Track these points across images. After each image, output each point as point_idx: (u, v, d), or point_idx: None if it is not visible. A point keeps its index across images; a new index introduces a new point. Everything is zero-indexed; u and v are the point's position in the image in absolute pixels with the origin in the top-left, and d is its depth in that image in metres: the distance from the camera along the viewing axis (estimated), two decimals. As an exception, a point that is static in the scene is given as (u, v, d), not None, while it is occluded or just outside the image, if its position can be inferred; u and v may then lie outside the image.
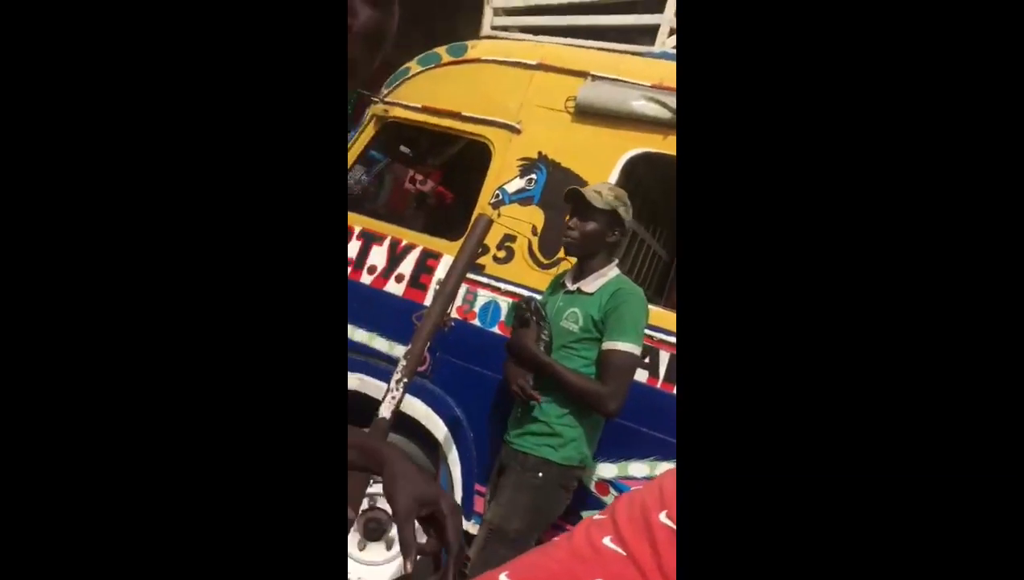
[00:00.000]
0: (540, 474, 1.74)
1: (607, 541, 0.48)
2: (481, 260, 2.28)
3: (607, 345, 1.72)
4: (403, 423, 2.19)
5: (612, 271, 1.88)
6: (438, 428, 2.23)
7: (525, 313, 1.82)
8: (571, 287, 1.90)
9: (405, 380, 1.54)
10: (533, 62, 2.31)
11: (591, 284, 1.85)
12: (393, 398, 1.53)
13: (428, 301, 2.16)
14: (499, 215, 2.28)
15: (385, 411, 1.53)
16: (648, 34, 2.38)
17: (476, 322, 2.26)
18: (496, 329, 2.23)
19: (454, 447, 2.23)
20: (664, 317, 2.02)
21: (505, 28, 2.59)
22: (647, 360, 1.98)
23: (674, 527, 0.46)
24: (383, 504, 2.21)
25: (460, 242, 1.81)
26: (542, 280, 2.18)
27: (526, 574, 0.52)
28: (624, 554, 0.47)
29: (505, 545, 1.63)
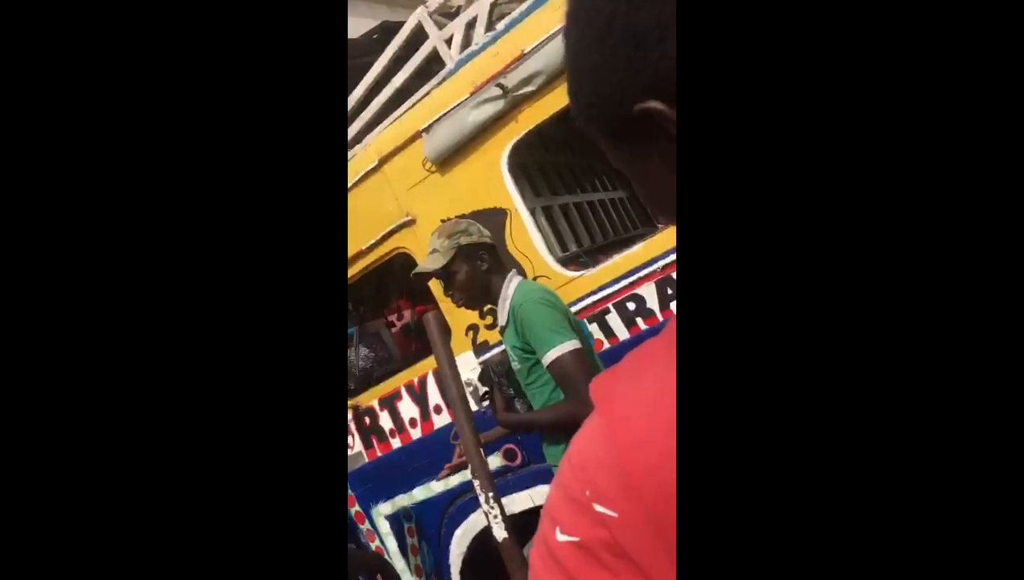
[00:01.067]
0: None
1: None
2: (480, 338, 2.24)
3: (543, 362, 1.59)
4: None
5: (511, 287, 1.73)
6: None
7: (485, 385, 1.77)
8: (500, 327, 1.82)
9: (491, 493, 1.48)
10: (375, 162, 2.32)
11: (502, 315, 1.73)
12: (495, 516, 1.46)
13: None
14: (459, 294, 2.25)
15: (499, 532, 1.46)
16: (435, 61, 2.39)
17: (522, 386, 2.22)
18: (540, 377, 2.18)
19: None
20: (650, 248, 1.96)
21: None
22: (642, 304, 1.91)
23: (573, 539, 0.44)
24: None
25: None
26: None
27: None
28: None
29: None
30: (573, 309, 2.06)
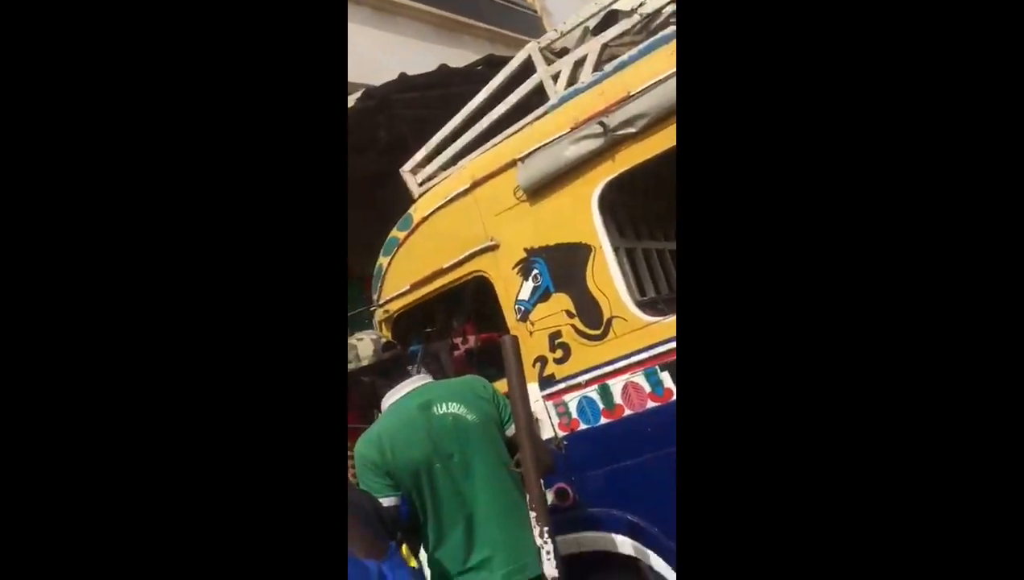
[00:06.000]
0: None
1: None
2: (547, 371, 2.22)
3: None
4: (594, 564, 2.05)
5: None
6: (624, 544, 2.09)
7: None
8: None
9: (547, 528, 1.44)
10: (467, 185, 2.37)
11: None
12: (548, 553, 1.43)
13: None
14: (532, 325, 2.25)
15: (550, 570, 1.42)
16: (539, 93, 2.43)
17: (583, 426, 2.18)
18: (603, 419, 2.14)
19: (647, 550, 2.07)
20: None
21: (429, 178, 2.68)
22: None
23: None
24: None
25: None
26: (602, 352, 2.10)
27: None
28: None
29: None
30: (646, 354, 2.02)
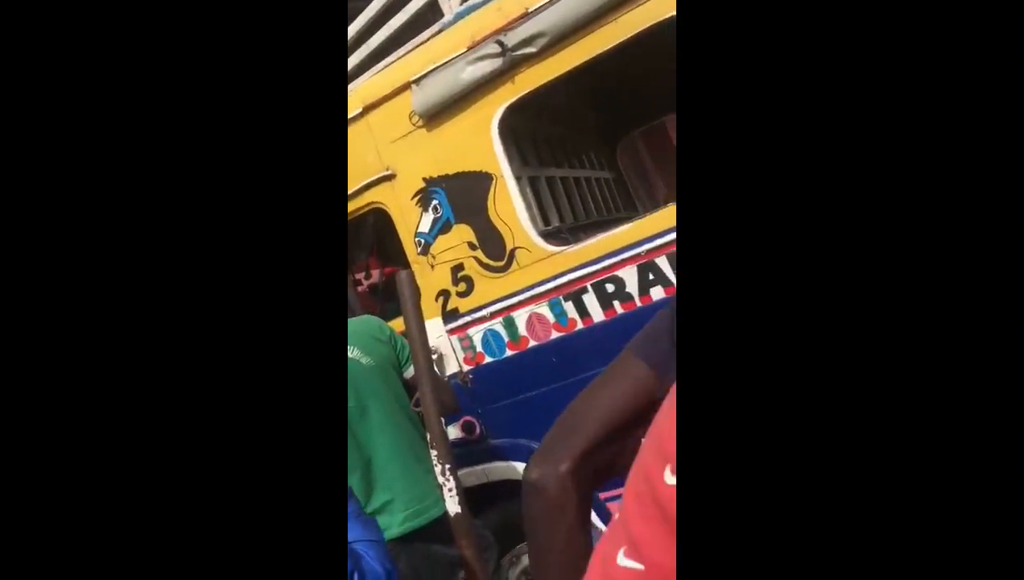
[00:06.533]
0: None
1: (621, 559, 0.46)
2: (450, 305, 2.17)
3: None
4: (502, 493, 2.07)
5: None
6: (529, 471, 2.12)
7: None
8: None
9: (448, 465, 1.41)
10: (358, 110, 2.20)
11: None
12: (451, 491, 1.40)
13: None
14: (434, 258, 2.16)
15: (452, 507, 1.40)
16: (432, 11, 2.27)
17: (488, 359, 2.16)
18: (508, 351, 2.12)
19: (553, 477, 2.11)
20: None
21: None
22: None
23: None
24: None
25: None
26: (506, 284, 2.06)
27: None
28: (640, 568, 0.43)
29: None
30: (551, 285, 2.00)
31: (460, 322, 2.15)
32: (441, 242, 2.15)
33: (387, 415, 1.63)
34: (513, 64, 1.96)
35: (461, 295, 2.15)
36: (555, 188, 2.60)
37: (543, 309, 2.04)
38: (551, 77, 1.95)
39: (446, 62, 2.04)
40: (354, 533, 0.86)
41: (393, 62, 2.25)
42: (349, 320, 1.97)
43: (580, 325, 2.02)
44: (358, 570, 0.80)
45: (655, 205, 3.24)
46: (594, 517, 1.32)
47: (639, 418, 0.81)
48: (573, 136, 2.97)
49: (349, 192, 2.26)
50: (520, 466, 2.13)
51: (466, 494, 1.51)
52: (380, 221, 2.73)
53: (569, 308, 2.01)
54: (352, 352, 1.72)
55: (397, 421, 1.64)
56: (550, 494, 0.81)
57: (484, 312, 2.12)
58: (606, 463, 0.86)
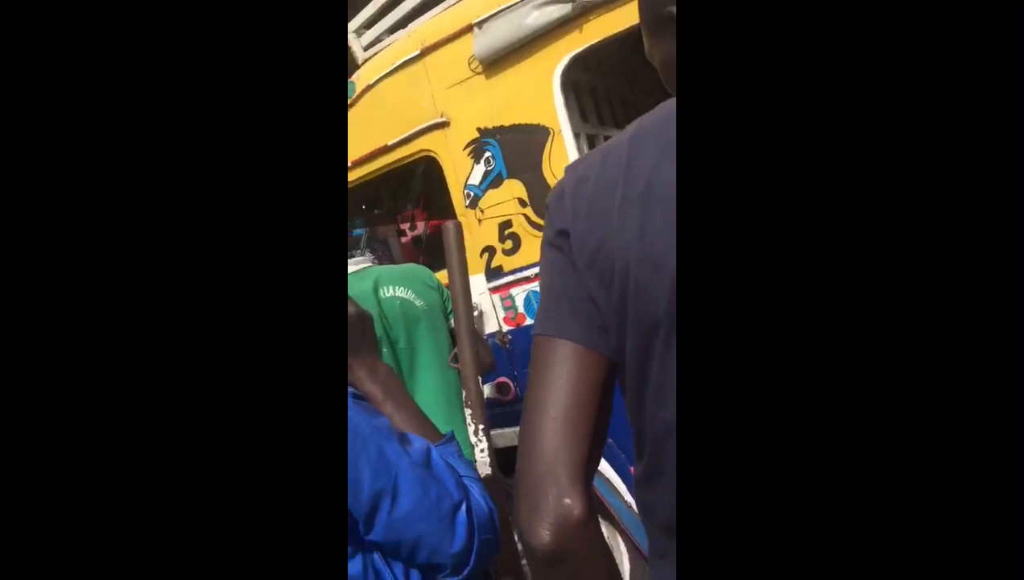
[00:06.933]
0: None
1: None
2: (495, 263, 2.10)
3: None
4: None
5: None
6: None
7: None
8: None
9: (481, 425, 1.36)
10: (416, 52, 2.11)
11: None
12: (482, 451, 1.35)
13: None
14: (482, 212, 2.09)
15: (483, 469, 1.35)
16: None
17: (530, 321, 2.09)
18: (551, 315, 2.05)
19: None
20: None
21: (376, 41, 2.40)
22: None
23: None
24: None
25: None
26: (557, 243, 1.98)
27: None
28: None
29: None
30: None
31: (504, 281, 2.09)
32: (491, 196, 2.08)
33: (435, 361, 1.59)
34: (582, 11, 1.84)
35: (507, 253, 2.08)
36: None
37: (591, 274, 1.96)
38: (621, 28, 1.82)
39: (511, 5, 1.93)
40: (461, 470, 0.86)
41: (455, 3, 2.14)
42: (398, 266, 1.93)
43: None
44: (467, 504, 0.78)
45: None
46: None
47: (603, 401, 0.68)
48: (636, 97, 2.83)
49: (400, 137, 2.20)
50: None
51: (500, 455, 1.47)
52: (429, 172, 2.66)
53: (618, 275, 1.92)
54: (406, 293, 1.69)
55: (444, 369, 1.61)
56: (582, 556, 0.60)
57: (529, 272, 2.05)
58: (597, 457, 0.69)
